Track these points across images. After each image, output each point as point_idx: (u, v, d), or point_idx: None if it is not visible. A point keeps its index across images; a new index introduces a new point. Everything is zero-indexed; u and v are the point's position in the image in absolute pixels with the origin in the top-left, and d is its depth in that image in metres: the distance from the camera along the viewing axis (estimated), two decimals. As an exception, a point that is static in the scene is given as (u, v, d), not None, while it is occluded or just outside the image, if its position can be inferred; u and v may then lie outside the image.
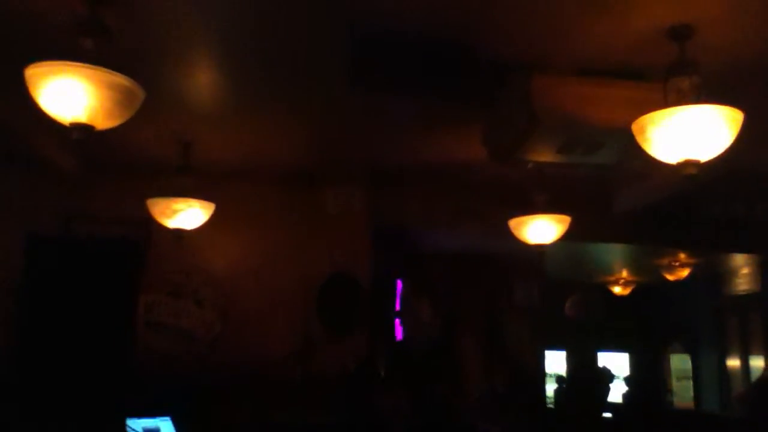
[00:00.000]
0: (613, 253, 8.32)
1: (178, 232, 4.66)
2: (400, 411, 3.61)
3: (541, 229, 4.65)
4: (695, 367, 10.77)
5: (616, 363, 11.11)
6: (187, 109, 4.19)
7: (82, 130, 2.64)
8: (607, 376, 8.25)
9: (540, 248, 4.77)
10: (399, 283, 7.16)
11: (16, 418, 4.17)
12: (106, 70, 2.59)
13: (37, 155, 4.91)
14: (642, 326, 11.39)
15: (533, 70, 3.30)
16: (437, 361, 3.82)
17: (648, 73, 3.21)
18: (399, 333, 6.80)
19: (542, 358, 10.94)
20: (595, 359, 11.06)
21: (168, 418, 4.28)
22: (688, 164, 2.77)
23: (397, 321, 6.88)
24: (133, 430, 3.92)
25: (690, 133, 2.68)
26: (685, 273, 8.44)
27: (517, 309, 8.43)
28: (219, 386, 4.86)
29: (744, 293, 9.09)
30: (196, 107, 4.18)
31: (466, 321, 7.28)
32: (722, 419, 7.72)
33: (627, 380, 10.51)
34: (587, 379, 8.37)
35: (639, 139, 2.85)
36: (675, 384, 11.26)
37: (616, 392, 9.48)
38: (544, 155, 3.70)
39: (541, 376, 10.72)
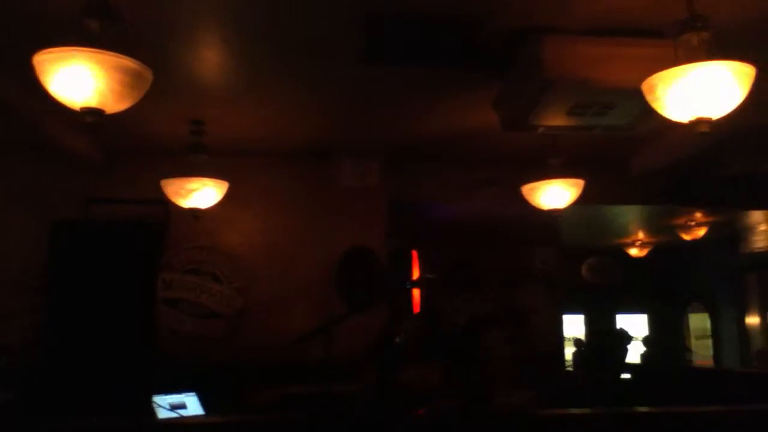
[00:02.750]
0: (629, 214, 8.28)
1: (195, 212, 4.70)
2: (430, 385, 3.57)
3: (554, 194, 4.64)
4: (714, 325, 10.76)
5: (635, 324, 11.13)
6: (201, 89, 4.20)
7: (93, 113, 2.67)
8: (625, 338, 8.26)
9: (555, 213, 4.76)
10: (414, 253, 7.16)
11: (44, 399, 4.28)
12: (112, 53, 2.60)
13: (54, 143, 4.97)
14: (660, 287, 11.37)
15: (543, 34, 3.27)
16: (466, 339, 3.82)
17: (660, 31, 3.15)
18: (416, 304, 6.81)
19: (560, 322, 10.97)
20: (612, 322, 11.08)
21: (194, 394, 4.36)
22: (700, 122, 2.67)
23: (414, 291, 6.88)
24: (160, 406, 3.98)
25: (701, 91, 2.60)
26: (701, 232, 8.39)
27: (534, 276, 8.42)
28: (243, 366, 4.94)
29: (762, 250, 9.02)
30: (209, 86, 4.19)
31: (486, 295, 7.27)
32: (741, 376, 7.72)
33: (645, 341, 10.54)
34: (605, 342, 8.39)
35: (649, 98, 2.78)
36: (694, 342, 11.27)
37: (635, 353, 9.52)
38: (555, 119, 3.67)
39: (560, 340, 10.77)
